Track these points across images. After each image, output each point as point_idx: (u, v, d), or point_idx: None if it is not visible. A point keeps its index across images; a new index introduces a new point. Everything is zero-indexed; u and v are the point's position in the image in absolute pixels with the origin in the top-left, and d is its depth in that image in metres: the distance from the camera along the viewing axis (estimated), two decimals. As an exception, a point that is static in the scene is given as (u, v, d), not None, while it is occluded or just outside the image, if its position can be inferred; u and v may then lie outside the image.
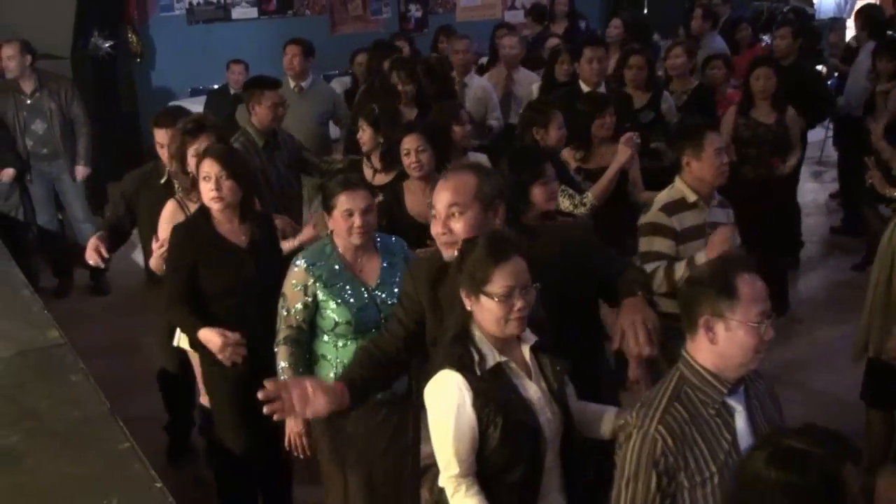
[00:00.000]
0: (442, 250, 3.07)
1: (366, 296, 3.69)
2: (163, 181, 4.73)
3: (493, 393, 2.72)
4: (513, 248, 2.76)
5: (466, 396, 2.71)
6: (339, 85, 10.03)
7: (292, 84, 6.90)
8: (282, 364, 3.69)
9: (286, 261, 3.90)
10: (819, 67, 9.52)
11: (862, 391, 4.66)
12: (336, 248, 3.72)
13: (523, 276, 2.73)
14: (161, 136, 4.76)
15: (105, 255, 4.59)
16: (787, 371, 5.68)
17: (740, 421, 2.54)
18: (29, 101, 7.24)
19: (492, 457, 2.75)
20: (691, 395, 2.52)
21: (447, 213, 3.02)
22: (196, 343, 4.04)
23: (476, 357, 2.75)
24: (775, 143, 6.20)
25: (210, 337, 3.86)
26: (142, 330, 5.11)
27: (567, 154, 5.32)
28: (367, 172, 5.12)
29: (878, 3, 11.69)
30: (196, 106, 8.82)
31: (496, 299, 2.69)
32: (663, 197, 4.30)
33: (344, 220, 3.62)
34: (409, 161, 4.54)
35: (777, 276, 4.10)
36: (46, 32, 8.16)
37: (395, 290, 3.69)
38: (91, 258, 4.58)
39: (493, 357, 2.76)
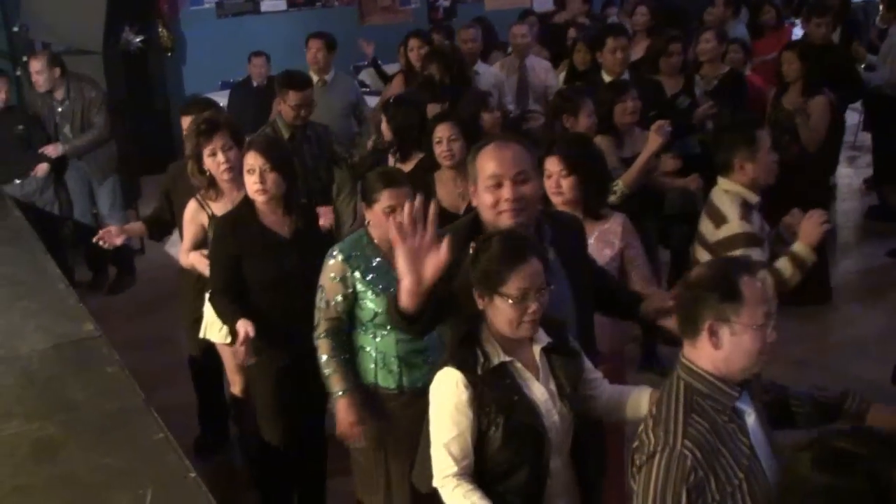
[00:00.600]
0: (508, 218, 2.92)
1: None
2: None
3: (494, 393, 2.69)
4: (530, 248, 2.71)
5: (465, 395, 2.68)
6: (369, 76, 10.07)
7: (316, 78, 6.87)
8: (324, 357, 3.68)
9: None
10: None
11: (893, 375, 4.61)
12: (372, 239, 3.72)
13: (539, 279, 2.68)
14: (188, 122, 4.78)
15: (116, 242, 4.74)
16: (822, 357, 5.63)
17: (751, 422, 2.47)
18: (60, 109, 7.33)
19: (494, 458, 2.71)
20: (703, 404, 2.42)
21: (515, 179, 2.92)
22: (234, 335, 4.05)
23: (481, 357, 2.71)
24: (796, 129, 6.11)
25: (241, 327, 3.86)
26: (174, 323, 5.15)
27: (602, 142, 5.27)
28: (391, 162, 5.17)
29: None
30: (225, 99, 8.88)
31: (510, 301, 2.65)
32: (729, 205, 4.01)
33: (385, 215, 3.60)
34: (440, 150, 4.53)
35: (816, 265, 3.93)
36: (78, 28, 8.24)
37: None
38: (106, 238, 4.70)
39: (498, 357, 2.73)
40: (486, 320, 2.75)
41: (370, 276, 3.65)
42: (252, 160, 3.94)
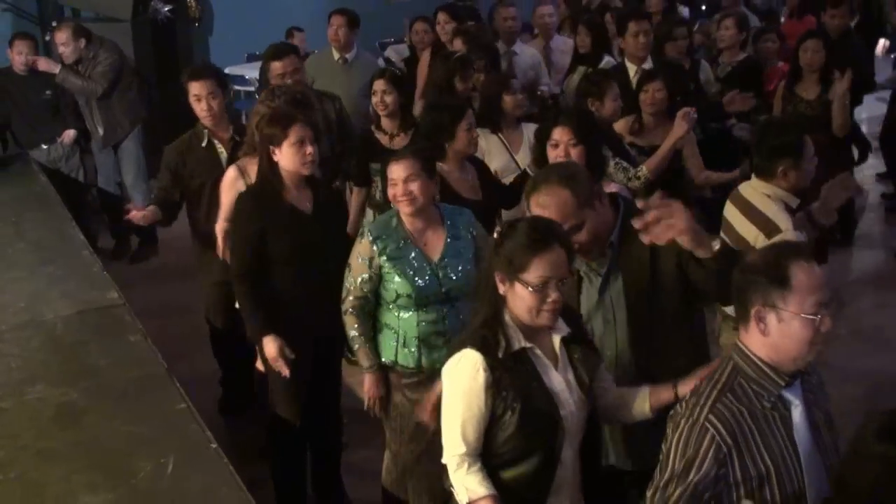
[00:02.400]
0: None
1: (429, 269, 3.69)
2: (204, 144, 4.80)
3: (512, 378, 2.69)
4: (555, 236, 2.70)
5: (483, 377, 2.68)
6: (395, 53, 10.01)
7: (336, 56, 6.80)
8: (352, 333, 3.75)
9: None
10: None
11: None
12: (402, 220, 3.73)
13: (561, 268, 2.67)
14: (198, 87, 4.76)
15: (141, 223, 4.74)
16: (833, 348, 5.61)
17: (797, 415, 2.43)
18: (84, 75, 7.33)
19: (506, 444, 2.72)
20: (745, 386, 2.40)
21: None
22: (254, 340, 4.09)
23: (502, 342, 2.71)
24: (814, 120, 6.00)
25: (269, 347, 3.92)
26: (197, 292, 5.17)
27: (621, 127, 5.27)
28: (383, 139, 5.15)
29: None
30: (252, 71, 8.89)
31: (530, 289, 2.64)
32: (779, 213, 3.85)
33: (391, 189, 3.66)
34: (468, 136, 4.48)
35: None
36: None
37: (459, 264, 3.71)
38: (137, 217, 4.68)
39: (518, 343, 2.73)
40: (507, 307, 2.74)
41: (396, 258, 3.67)
42: (302, 131, 3.96)
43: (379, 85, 5.17)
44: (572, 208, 2.97)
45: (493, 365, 2.68)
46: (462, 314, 3.66)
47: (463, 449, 2.72)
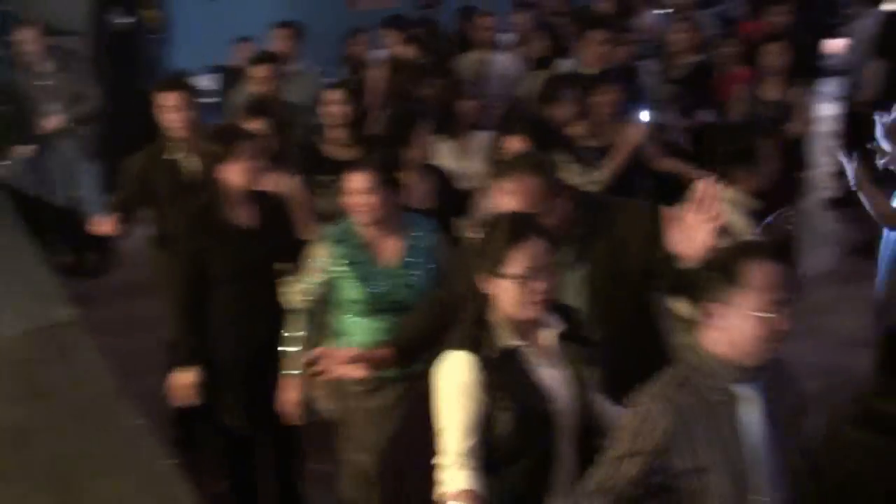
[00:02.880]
0: None
1: (382, 277, 3.68)
2: (167, 157, 4.72)
3: (505, 377, 2.69)
4: (532, 228, 2.71)
5: (474, 378, 2.67)
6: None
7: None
8: (293, 334, 3.73)
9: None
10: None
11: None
12: (358, 226, 3.72)
13: (543, 258, 2.67)
14: (167, 98, 4.69)
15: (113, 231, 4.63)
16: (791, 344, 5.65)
17: (749, 411, 2.45)
18: (49, 83, 7.22)
19: (503, 442, 2.71)
20: (697, 381, 2.44)
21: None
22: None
23: (491, 341, 2.71)
24: (775, 121, 6.06)
25: (184, 377, 3.89)
26: (152, 307, 5.11)
27: (576, 130, 5.27)
28: (331, 150, 5.06)
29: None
30: (213, 83, 8.84)
31: (514, 281, 2.65)
32: (740, 218, 3.86)
33: (348, 199, 3.64)
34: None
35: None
36: (66, 8, 8.16)
37: (415, 273, 3.70)
38: (99, 227, 4.60)
39: (507, 342, 2.73)
40: (494, 304, 2.74)
41: (352, 263, 3.66)
42: (249, 146, 3.97)
43: (334, 96, 5.11)
44: (540, 195, 2.99)
45: (482, 365, 2.68)
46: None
47: (460, 449, 2.69)
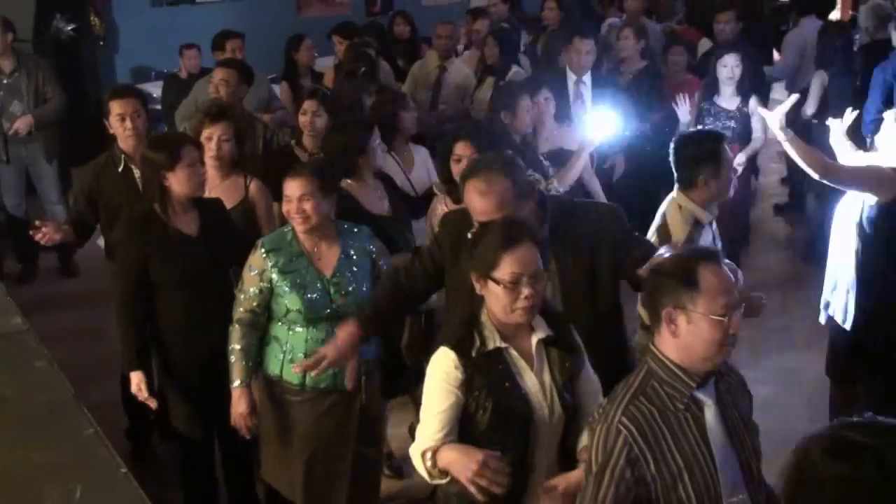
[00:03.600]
0: None
1: (319, 285, 3.71)
2: (120, 168, 4.68)
3: (484, 377, 2.73)
4: (525, 234, 2.76)
5: (456, 375, 2.73)
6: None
7: None
8: (234, 346, 3.76)
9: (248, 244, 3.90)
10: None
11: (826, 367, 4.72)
12: (297, 234, 3.74)
13: (532, 264, 2.72)
14: (122, 106, 4.68)
15: (55, 237, 4.53)
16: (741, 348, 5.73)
17: (710, 416, 2.49)
18: (7, 81, 7.12)
19: (479, 442, 2.74)
20: (658, 388, 2.46)
21: (492, 217, 3.01)
22: (152, 335, 4.08)
23: (477, 341, 2.76)
24: (736, 130, 6.19)
25: (133, 381, 3.96)
26: (106, 316, 5.05)
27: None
28: (302, 156, 5.10)
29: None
30: (158, 90, 8.76)
31: (503, 286, 2.69)
32: (680, 224, 3.94)
33: (285, 205, 3.69)
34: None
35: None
36: (8, 14, 8.02)
37: (351, 281, 3.73)
38: (47, 236, 4.50)
39: (494, 343, 2.77)
40: (484, 307, 2.80)
41: (288, 272, 3.69)
42: (194, 153, 4.00)
43: (310, 106, 5.11)
44: (510, 196, 3.05)
45: (465, 363, 2.73)
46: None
47: (438, 436, 2.75)
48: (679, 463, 2.42)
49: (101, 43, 10.47)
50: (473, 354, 2.75)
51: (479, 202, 3.08)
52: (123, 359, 4.05)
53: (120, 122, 4.68)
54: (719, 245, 4.06)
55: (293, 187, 3.64)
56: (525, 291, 2.69)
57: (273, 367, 3.79)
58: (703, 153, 3.96)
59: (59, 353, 3.94)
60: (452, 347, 2.76)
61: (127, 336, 4.00)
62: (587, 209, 3.47)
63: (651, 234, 3.98)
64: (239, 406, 3.78)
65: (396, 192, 4.64)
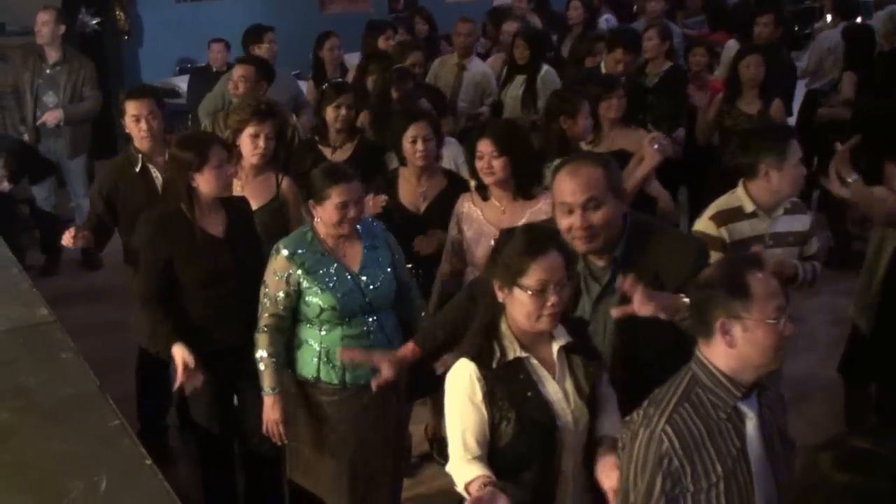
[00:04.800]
0: (577, 245, 3.00)
1: (350, 281, 3.70)
2: (138, 169, 4.69)
3: (506, 388, 2.70)
4: (551, 242, 2.74)
5: (477, 387, 2.70)
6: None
7: None
8: (262, 353, 3.72)
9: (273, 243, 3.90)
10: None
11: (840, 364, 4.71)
12: (317, 234, 3.73)
13: (559, 272, 2.69)
14: (137, 107, 4.69)
15: (80, 242, 4.47)
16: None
17: (751, 427, 2.48)
18: (48, 72, 7.21)
19: (505, 453, 2.72)
20: (703, 396, 2.45)
21: (586, 206, 2.95)
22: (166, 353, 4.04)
23: (497, 351, 2.73)
24: None
25: (178, 355, 3.85)
26: (127, 310, 5.09)
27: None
28: (326, 151, 5.15)
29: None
30: (183, 84, 8.81)
31: (530, 293, 2.67)
32: (719, 203, 4.05)
33: (337, 211, 3.63)
34: (414, 149, 4.46)
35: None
36: (34, 8, 8.09)
37: (379, 273, 3.72)
38: (67, 238, 4.43)
39: (514, 352, 2.74)
40: (505, 314, 2.76)
41: (315, 272, 3.67)
42: (222, 154, 3.98)
43: (345, 99, 5.14)
44: (600, 183, 2.98)
45: (485, 374, 2.70)
46: (385, 327, 3.71)
47: (468, 456, 2.71)
48: (718, 472, 2.41)
49: (126, 37, 10.53)
50: (494, 366, 2.72)
51: (568, 182, 2.99)
52: (156, 346, 3.99)
53: (135, 123, 4.70)
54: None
55: (351, 192, 3.63)
56: (552, 299, 2.67)
57: (308, 370, 3.75)
58: (770, 142, 3.95)
59: (81, 345, 3.95)
60: (472, 359, 2.74)
61: (153, 324, 3.98)
62: (671, 239, 3.23)
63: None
64: (273, 413, 3.73)
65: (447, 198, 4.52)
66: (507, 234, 2.83)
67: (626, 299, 2.86)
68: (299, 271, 3.66)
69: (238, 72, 5.80)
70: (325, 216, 3.65)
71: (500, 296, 2.75)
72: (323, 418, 3.79)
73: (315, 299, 3.67)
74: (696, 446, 2.39)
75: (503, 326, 2.77)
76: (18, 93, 7.25)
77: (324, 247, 3.72)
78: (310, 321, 3.73)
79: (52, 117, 7.10)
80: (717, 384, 2.44)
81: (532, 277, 2.66)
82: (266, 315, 3.71)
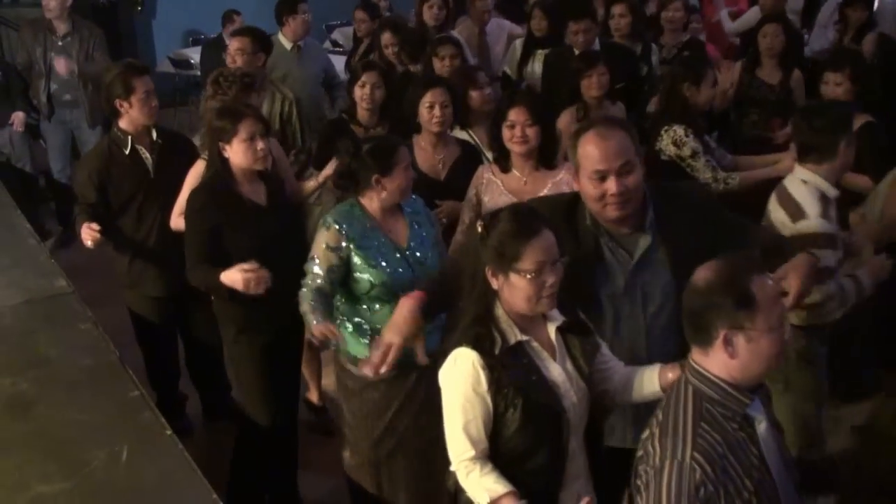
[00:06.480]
0: (614, 211, 2.91)
1: (399, 257, 3.64)
2: (127, 151, 4.57)
3: (511, 374, 2.63)
4: (541, 221, 2.67)
5: (482, 376, 2.62)
6: (342, 35, 9.95)
7: (289, 45, 6.66)
8: (305, 305, 3.53)
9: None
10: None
11: None
12: (364, 208, 3.67)
13: (553, 251, 2.63)
14: (148, 82, 4.58)
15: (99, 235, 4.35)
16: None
17: (762, 430, 2.38)
18: (60, 44, 7.24)
19: (512, 441, 2.66)
20: (713, 411, 2.32)
21: (620, 172, 2.88)
22: (220, 310, 4.05)
23: (497, 338, 2.65)
24: (778, 105, 5.92)
25: (232, 276, 3.72)
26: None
27: (567, 118, 5.16)
28: (358, 130, 4.99)
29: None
30: (196, 55, 8.78)
31: (528, 276, 2.60)
32: (809, 199, 3.66)
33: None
34: (431, 115, 4.40)
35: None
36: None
37: (426, 249, 3.69)
38: (88, 238, 4.33)
39: (514, 337, 2.67)
40: (500, 300, 2.69)
41: (365, 248, 3.61)
42: (253, 127, 3.93)
43: (370, 77, 4.93)
44: (630, 147, 2.92)
45: (490, 363, 2.62)
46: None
47: (472, 452, 2.64)
48: (748, 487, 2.29)
49: (140, 8, 10.51)
50: (496, 352, 2.64)
51: (599, 149, 2.89)
52: (209, 283, 3.87)
53: (146, 98, 4.56)
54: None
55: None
56: (550, 279, 2.61)
57: (358, 350, 3.66)
58: (841, 119, 3.74)
59: (98, 316, 3.97)
60: (473, 347, 2.64)
61: (211, 276, 3.81)
62: (682, 190, 3.21)
63: (777, 217, 3.74)
64: (319, 329, 3.43)
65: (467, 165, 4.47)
66: (492, 217, 2.72)
67: (673, 267, 2.88)
68: (351, 243, 3.60)
69: (234, 44, 5.65)
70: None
71: (495, 283, 2.66)
72: (378, 397, 3.73)
73: (365, 275, 3.60)
74: (724, 467, 2.26)
75: (499, 311, 2.69)
76: (30, 66, 7.26)
77: (372, 221, 3.66)
78: (358, 300, 3.67)
79: (62, 66, 7.17)
80: (725, 395, 2.33)
81: (528, 261, 2.59)
82: (310, 283, 3.59)
